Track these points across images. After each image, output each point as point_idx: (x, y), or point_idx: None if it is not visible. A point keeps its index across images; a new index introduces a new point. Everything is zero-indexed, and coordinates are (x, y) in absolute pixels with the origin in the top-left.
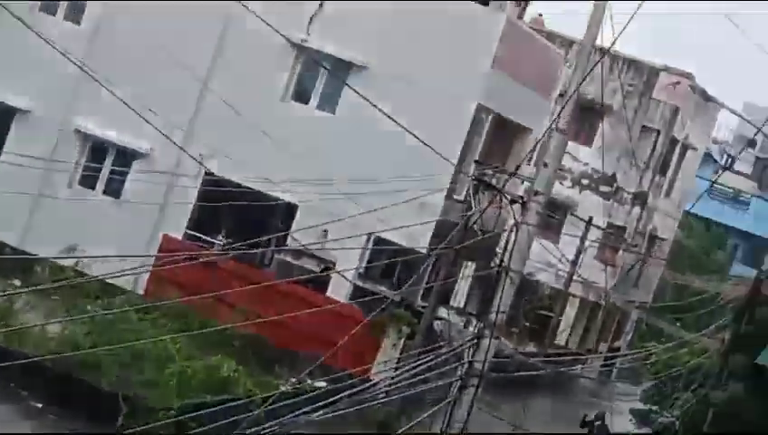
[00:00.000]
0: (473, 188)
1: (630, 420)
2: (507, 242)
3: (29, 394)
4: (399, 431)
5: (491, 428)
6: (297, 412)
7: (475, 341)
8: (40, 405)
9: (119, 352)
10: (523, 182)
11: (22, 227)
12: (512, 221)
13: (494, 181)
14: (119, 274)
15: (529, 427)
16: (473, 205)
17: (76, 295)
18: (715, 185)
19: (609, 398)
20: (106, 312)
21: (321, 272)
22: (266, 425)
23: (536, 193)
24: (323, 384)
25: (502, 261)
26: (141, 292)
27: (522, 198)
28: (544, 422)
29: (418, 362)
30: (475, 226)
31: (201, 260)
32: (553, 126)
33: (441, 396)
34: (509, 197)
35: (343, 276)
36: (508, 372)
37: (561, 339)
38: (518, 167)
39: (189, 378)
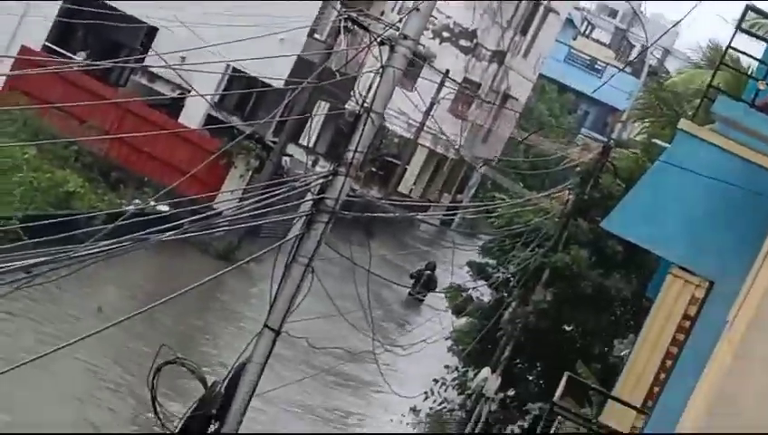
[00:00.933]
0: (341, 26)
1: (468, 273)
2: (372, 84)
3: None
4: (239, 263)
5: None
6: (139, 233)
7: (330, 177)
8: None
9: None
10: (385, 28)
11: None
12: (370, 65)
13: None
14: None
15: (365, 265)
16: (335, 46)
17: None
18: (572, 50)
19: (446, 248)
20: None
21: (175, 96)
22: (107, 242)
23: (405, 37)
24: (167, 208)
25: (364, 101)
26: None
27: (390, 39)
28: (380, 263)
29: (266, 194)
30: (333, 66)
31: (57, 71)
32: None
33: (280, 233)
34: (378, 37)
35: (203, 98)
36: (353, 211)
37: (405, 187)
38: (382, 12)
39: (35, 189)
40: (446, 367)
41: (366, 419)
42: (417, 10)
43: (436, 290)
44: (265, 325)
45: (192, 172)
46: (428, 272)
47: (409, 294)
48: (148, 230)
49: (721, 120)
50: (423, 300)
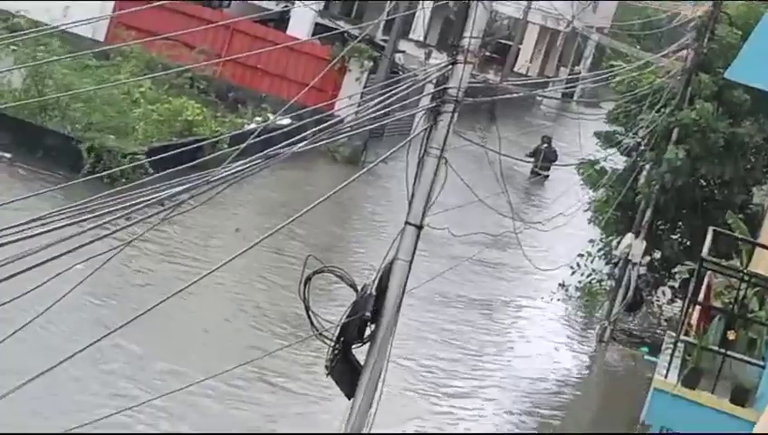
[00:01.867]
0: None
1: (596, 143)
2: None
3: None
4: (370, 165)
5: (463, 153)
6: (268, 149)
7: (449, 67)
8: (8, 155)
9: (84, 99)
10: None
11: None
12: None
13: None
14: (80, 22)
15: (495, 146)
16: None
17: (35, 47)
18: None
19: (571, 120)
20: (67, 56)
21: (280, 9)
22: (238, 163)
23: None
24: (288, 121)
25: None
26: (101, 39)
27: None
28: (510, 142)
29: (386, 93)
30: None
31: (160, 3)
32: None
33: (406, 129)
34: None
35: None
36: (476, 97)
37: (521, 67)
38: None
39: (155, 122)
40: (591, 241)
41: (516, 300)
42: None
43: (556, 162)
44: (407, 222)
45: (310, 83)
46: (546, 146)
47: (532, 172)
48: (276, 146)
49: None
50: (547, 175)
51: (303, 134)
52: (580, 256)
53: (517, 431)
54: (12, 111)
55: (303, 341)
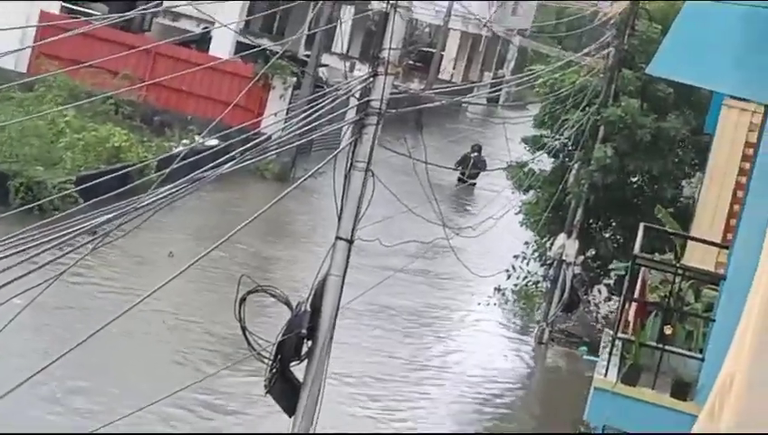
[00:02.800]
0: None
1: (524, 148)
2: None
3: None
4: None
5: (389, 164)
6: (196, 172)
7: (370, 79)
8: None
9: (8, 132)
10: None
11: None
12: None
13: None
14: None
15: (422, 156)
16: None
17: None
18: None
19: (497, 125)
20: None
21: (200, 31)
22: (166, 188)
23: None
24: (216, 142)
25: None
26: (24, 70)
27: None
28: (437, 150)
29: (310, 108)
30: None
31: (81, 31)
32: None
33: (332, 142)
34: None
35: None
36: (400, 108)
37: (445, 73)
38: None
39: (82, 150)
40: (526, 243)
41: (452, 307)
42: None
43: (485, 168)
44: (337, 237)
45: (233, 102)
46: (475, 154)
47: (459, 180)
48: (203, 168)
49: None
50: (474, 183)
51: (229, 155)
52: (516, 257)
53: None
54: None
55: (241, 361)
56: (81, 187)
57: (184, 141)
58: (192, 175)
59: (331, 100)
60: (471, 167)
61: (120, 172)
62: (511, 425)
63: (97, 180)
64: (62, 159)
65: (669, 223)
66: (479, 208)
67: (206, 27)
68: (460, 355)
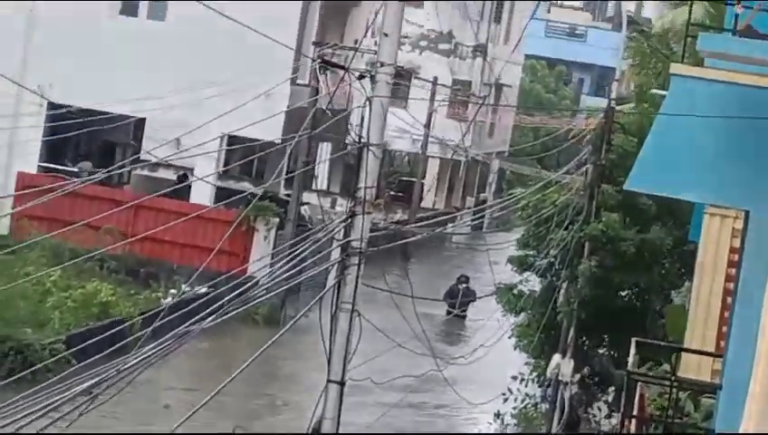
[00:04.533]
0: (318, 69)
1: (511, 269)
2: (363, 118)
3: None
4: (287, 326)
5: (376, 299)
6: (186, 323)
7: (349, 220)
8: None
9: None
10: (363, 55)
11: None
12: (361, 96)
13: (335, 59)
14: None
15: (410, 291)
16: (319, 88)
17: None
18: (549, 23)
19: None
20: None
21: (178, 180)
22: (153, 345)
23: (382, 64)
24: (205, 290)
25: (360, 137)
26: (6, 233)
27: (369, 71)
28: (424, 280)
29: (294, 252)
30: (325, 107)
31: (61, 192)
32: None
33: (320, 280)
34: (356, 73)
35: (203, 180)
36: (382, 244)
37: (428, 201)
38: (358, 42)
39: (70, 309)
40: (526, 363)
41: None
42: (386, 35)
43: (475, 299)
44: (329, 380)
45: (218, 248)
46: (464, 286)
47: (448, 313)
48: (189, 321)
49: (709, 55)
50: (465, 315)
51: (218, 304)
52: (514, 378)
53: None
54: None
55: None
56: (73, 349)
57: (171, 291)
58: (176, 331)
59: (312, 241)
60: (460, 298)
61: (110, 330)
62: None
63: (87, 339)
64: (50, 319)
65: (661, 336)
66: (470, 337)
67: (183, 174)
68: None
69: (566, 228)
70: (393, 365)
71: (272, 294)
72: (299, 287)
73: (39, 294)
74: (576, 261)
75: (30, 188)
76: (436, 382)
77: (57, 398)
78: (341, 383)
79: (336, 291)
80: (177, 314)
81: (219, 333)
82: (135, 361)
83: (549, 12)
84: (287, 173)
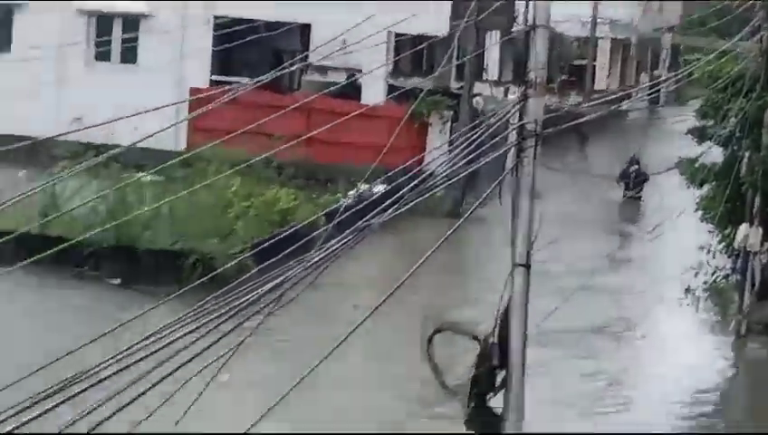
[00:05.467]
0: None
1: (692, 139)
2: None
3: (102, 273)
4: (466, 214)
5: (554, 183)
6: (365, 218)
7: (522, 103)
8: (117, 281)
9: (177, 211)
10: None
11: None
12: None
13: None
14: (155, 133)
15: (593, 170)
16: None
17: (119, 170)
18: None
19: (661, 127)
20: (152, 172)
21: (348, 79)
22: (337, 239)
23: None
24: (383, 187)
25: (527, 20)
26: (183, 148)
27: None
28: (602, 162)
29: (470, 138)
30: None
31: (233, 98)
32: None
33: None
34: None
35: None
36: (557, 126)
37: (601, 83)
38: None
39: (253, 218)
40: (710, 232)
41: (642, 318)
42: None
43: (648, 179)
44: (514, 264)
45: (395, 146)
46: (635, 167)
47: (624, 196)
48: (368, 215)
49: None
50: (640, 197)
51: (395, 197)
52: (701, 249)
53: None
54: (112, 239)
55: (438, 401)
56: (257, 255)
57: (351, 193)
58: (357, 225)
59: (486, 127)
60: (633, 180)
61: (293, 235)
62: (720, 421)
63: (272, 246)
64: (233, 229)
65: None
66: (648, 217)
67: (352, 74)
68: (658, 358)
69: (745, 96)
70: (574, 248)
71: (450, 181)
72: (477, 177)
73: (221, 206)
74: (756, 130)
75: (203, 102)
76: (619, 263)
77: (244, 299)
78: (527, 266)
79: (514, 175)
80: (357, 211)
81: (402, 230)
82: (318, 257)
83: None
84: (457, 65)
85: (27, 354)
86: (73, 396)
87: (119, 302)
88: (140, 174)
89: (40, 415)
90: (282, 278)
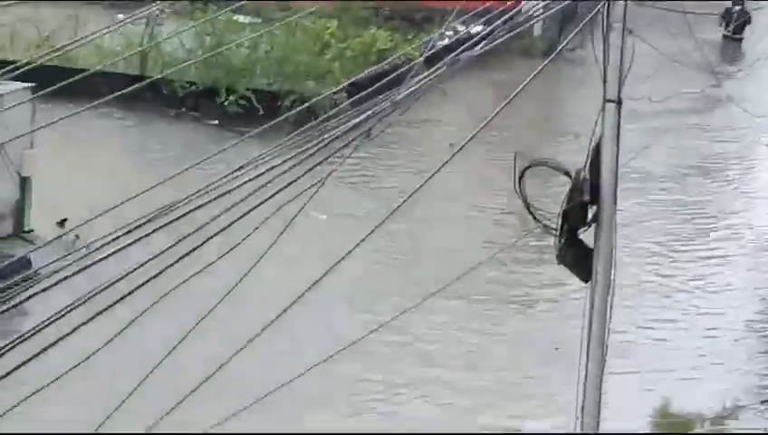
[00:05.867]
0: None
1: None
2: None
3: (202, 115)
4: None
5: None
6: (458, 51)
7: None
8: (215, 122)
9: (275, 53)
10: None
11: None
12: None
13: None
14: None
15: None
16: None
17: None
18: None
19: None
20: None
21: None
22: (422, 75)
23: None
24: (481, 28)
25: None
26: None
27: None
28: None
29: None
30: None
31: None
32: None
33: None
34: None
35: None
36: None
37: None
38: None
39: (349, 59)
40: None
41: (740, 156)
42: None
43: (750, 21)
44: (606, 99)
45: None
46: (738, 7)
47: (724, 36)
48: (459, 49)
49: None
50: (741, 39)
51: (483, 33)
52: None
53: None
54: (208, 82)
55: (529, 234)
56: (353, 96)
57: (447, 33)
58: (446, 59)
59: None
60: (735, 21)
61: (390, 74)
62: None
63: (368, 86)
64: (330, 70)
65: None
66: (747, 57)
67: None
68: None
69: None
70: (669, 87)
71: (539, 18)
72: (575, 17)
73: (318, 48)
74: None
75: None
76: (715, 101)
77: (333, 132)
78: (619, 102)
79: (606, 10)
80: (452, 49)
81: (496, 70)
82: (407, 91)
83: None
84: None
85: (127, 184)
86: (169, 223)
87: (216, 141)
88: (238, 16)
89: (137, 240)
90: (369, 112)
